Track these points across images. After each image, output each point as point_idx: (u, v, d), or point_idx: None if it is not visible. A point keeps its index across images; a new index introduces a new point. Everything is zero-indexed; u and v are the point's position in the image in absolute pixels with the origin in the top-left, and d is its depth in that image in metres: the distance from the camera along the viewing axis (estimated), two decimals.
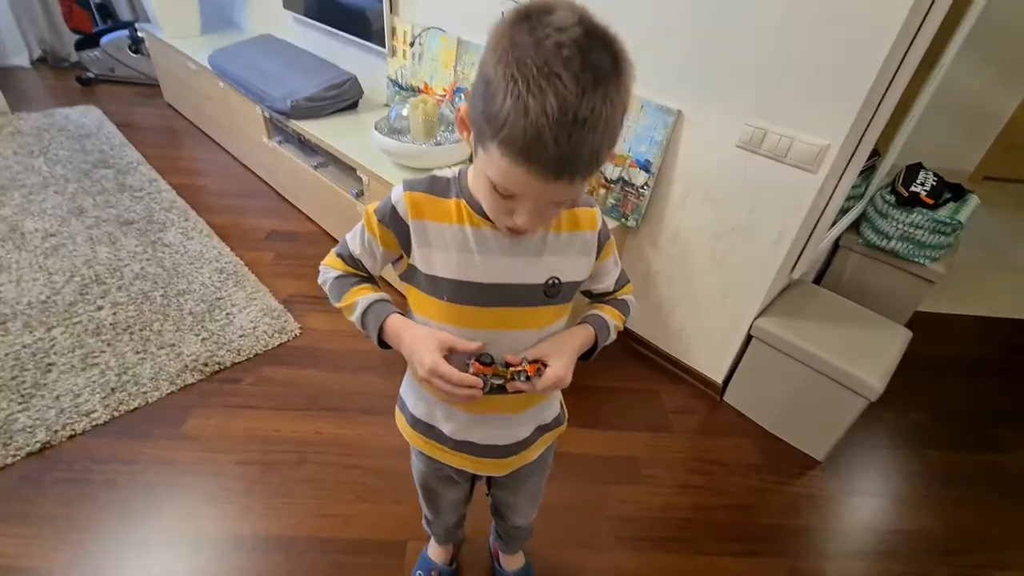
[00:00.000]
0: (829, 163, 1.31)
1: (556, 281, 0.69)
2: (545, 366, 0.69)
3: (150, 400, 1.55)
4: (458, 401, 0.69)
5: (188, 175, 2.76)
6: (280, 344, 1.81)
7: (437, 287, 0.67)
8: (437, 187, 0.67)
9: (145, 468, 1.38)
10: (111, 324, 1.76)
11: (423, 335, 0.67)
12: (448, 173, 0.68)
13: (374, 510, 1.36)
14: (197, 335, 1.77)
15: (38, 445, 1.38)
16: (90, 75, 3.67)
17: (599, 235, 0.74)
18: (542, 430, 0.86)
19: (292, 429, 1.53)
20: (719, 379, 1.81)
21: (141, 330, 1.75)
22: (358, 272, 0.76)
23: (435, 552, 1.23)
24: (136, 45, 3.65)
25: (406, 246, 0.67)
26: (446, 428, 0.80)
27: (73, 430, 1.43)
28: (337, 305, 0.75)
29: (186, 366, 1.65)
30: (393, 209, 0.66)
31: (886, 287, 2.09)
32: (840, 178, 1.41)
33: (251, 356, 1.74)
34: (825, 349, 1.52)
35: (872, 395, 1.45)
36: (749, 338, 1.67)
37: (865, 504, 1.57)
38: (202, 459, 1.42)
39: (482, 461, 0.82)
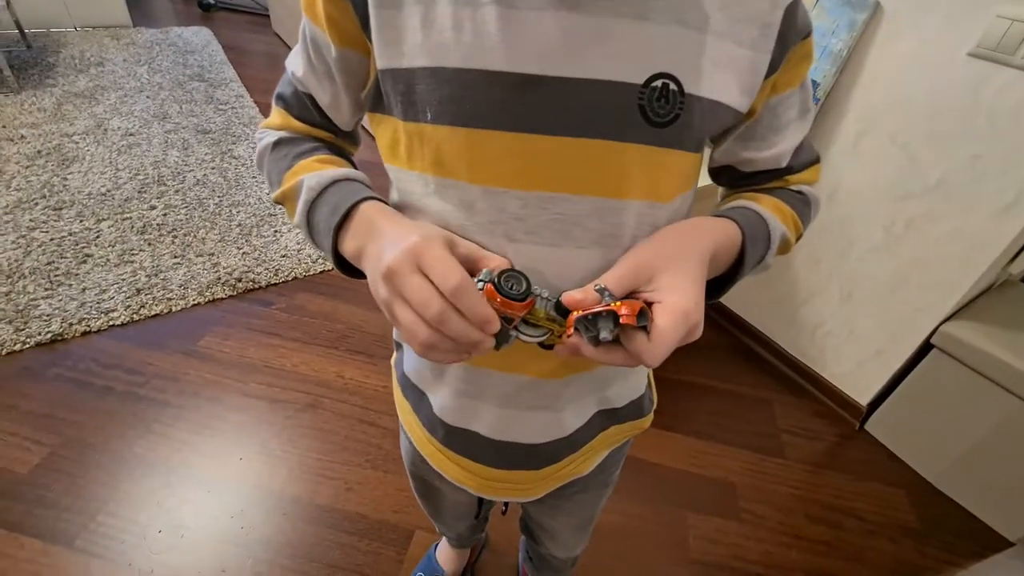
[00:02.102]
0: None
1: (671, 85, 0.31)
2: (649, 305, 0.31)
3: (174, 308, 1.39)
4: (445, 352, 0.31)
5: None
6: (323, 271, 1.59)
7: (411, 93, 0.33)
8: None
9: (147, 381, 1.21)
10: (158, 225, 1.63)
11: (415, 224, 0.34)
12: None
13: (383, 481, 1.09)
14: (239, 248, 1.60)
15: (49, 336, 1.25)
16: (210, 1, 3.75)
17: (789, 18, 0.34)
18: (608, 419, 0.48)
19: (313, 367, 1.30)
20: (863, 400, 1.33)
21: (185, 235, 1.61)
22: (312, 128, 0.42)
23: (445, 555, 0.93)
24: None
25: (367, 25, 0.33)
26: (434, 399, 0.46)
27: (88, 327, 1.30)
28: (274, 196, 0.41)
29: (218, 278, 1.48)
30: None
31: None
32: None
33: (289, 279, 1.54)
34: None
35: None
36: (926, 349, 1.18)
37: None
38: (207, 382, 1.23)
39: (492, 474, 0.46)
